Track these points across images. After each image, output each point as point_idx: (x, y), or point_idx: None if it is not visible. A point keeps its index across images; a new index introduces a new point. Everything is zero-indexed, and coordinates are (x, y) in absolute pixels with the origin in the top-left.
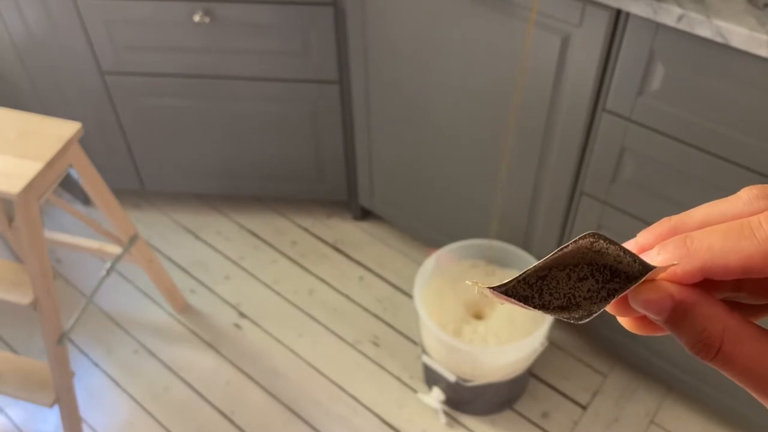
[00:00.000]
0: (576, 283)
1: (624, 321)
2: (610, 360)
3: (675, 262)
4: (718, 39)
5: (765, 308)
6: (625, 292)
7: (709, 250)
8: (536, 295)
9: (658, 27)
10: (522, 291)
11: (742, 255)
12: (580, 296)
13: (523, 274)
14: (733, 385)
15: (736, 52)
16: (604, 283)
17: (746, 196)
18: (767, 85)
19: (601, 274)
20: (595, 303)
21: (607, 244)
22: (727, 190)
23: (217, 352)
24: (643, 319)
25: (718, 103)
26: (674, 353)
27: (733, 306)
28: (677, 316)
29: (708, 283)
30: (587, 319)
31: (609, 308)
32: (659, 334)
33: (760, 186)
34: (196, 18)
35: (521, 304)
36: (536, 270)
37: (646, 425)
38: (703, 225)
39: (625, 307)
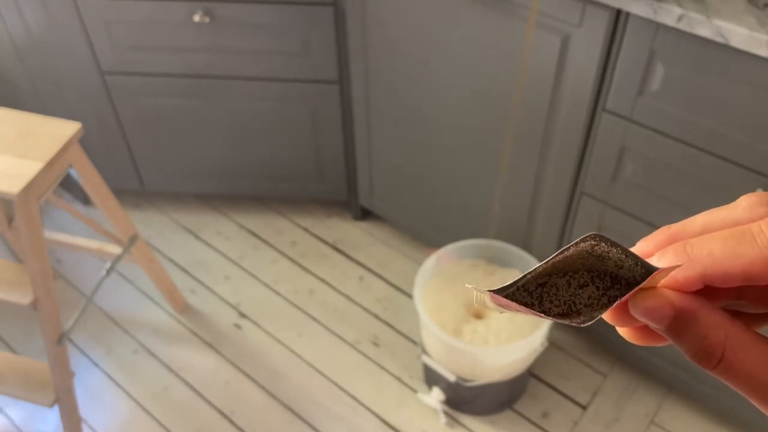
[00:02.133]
0: (576, 290)
1: (623, 331)
2: (610, 360)
3: (679, 263)
4: (718, 39)
5: (766, 317)
6: (626, 297)
7: (710, 255)
8: (536, 303)
9: (658, 27)
10: (521, 298)
11: (744, 261)
12: (580, 303)
13: (522, 279)
14: None
15: (736, 52)
16: (604, 290)
17: (746, 203)
18: (767, 85)
19: (601, 281)
20: (595, 310)
21: (608, 247)
22: (727, 190)
23: (217, 352)
24: (643, 329)
25: (718, 103)
26: (674, 354)
27: (734, 315)
28: (678, 324)
29: (708, 291)
30: (588, 323)
31: (608, 318)
32: (659, 344)
33: (759, 193)
34: (196, 18)
35: (521, 311)
36: (536, 276)
37: (646, 425)
38: (703, 232)
39: (625, 317)
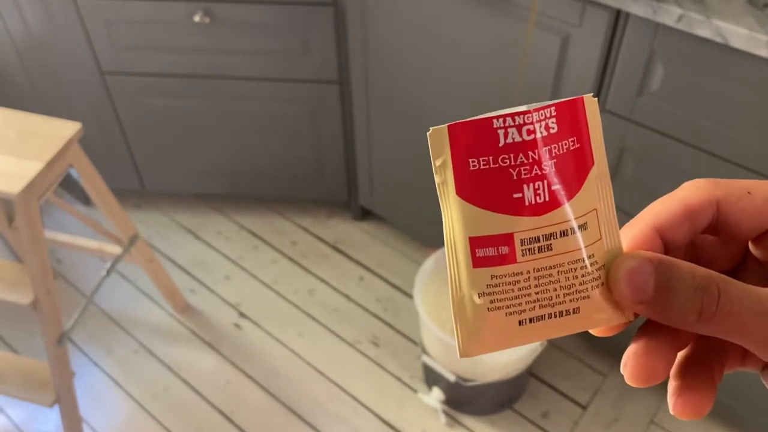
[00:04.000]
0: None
1: (630, 370)
2: (610, 360)
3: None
4: (718, 39)
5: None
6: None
7: (652, 210)
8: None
9: (658, 27)
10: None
11: (680, 201)
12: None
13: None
14: (732, 385)
15: (735, 52)
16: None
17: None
18: (767, 85)
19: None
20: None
21: None
22: None
23: (217, 352)
24: (654, 358)
25: (718, 103)
26: None
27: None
28: (663, 274)
29: None
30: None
31: (634, 378)
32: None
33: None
34: (196, 18)
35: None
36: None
37: (646, 425)
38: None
39: (650, 366)
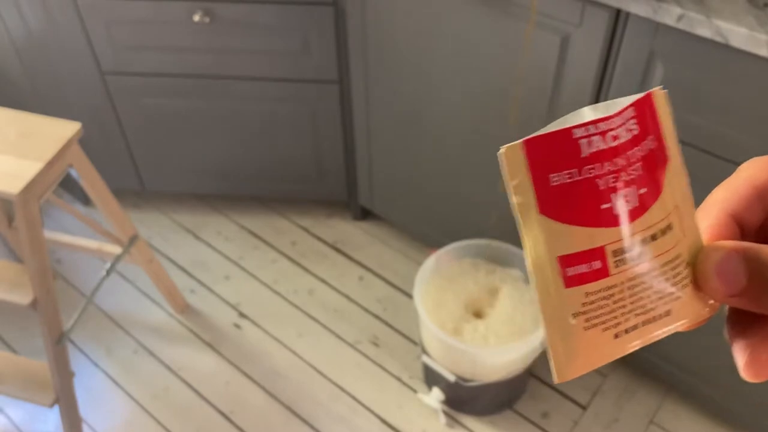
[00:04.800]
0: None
1: (755, 371)
2: None
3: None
4: (718, 39)
5: None
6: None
7: (720, 195)
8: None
9: (658, 27)
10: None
11: (747, 181)
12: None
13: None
14: (733, 385)
15: (736, 52)
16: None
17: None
18: (767, 85)
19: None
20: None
21: None
22: None
23: (217, 352)
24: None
25: (718, 103)
26: (674, 353)
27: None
28: (753, 262)
29: None
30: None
31: (748, 371)
32: None
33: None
34: (196, 18)
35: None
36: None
37: (645, 425)
38: None
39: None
